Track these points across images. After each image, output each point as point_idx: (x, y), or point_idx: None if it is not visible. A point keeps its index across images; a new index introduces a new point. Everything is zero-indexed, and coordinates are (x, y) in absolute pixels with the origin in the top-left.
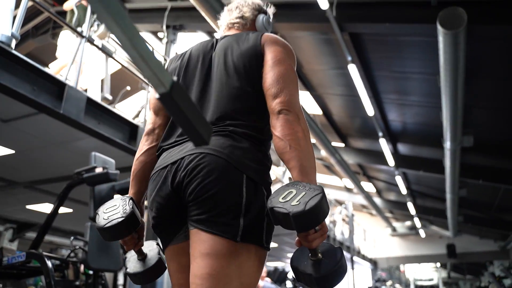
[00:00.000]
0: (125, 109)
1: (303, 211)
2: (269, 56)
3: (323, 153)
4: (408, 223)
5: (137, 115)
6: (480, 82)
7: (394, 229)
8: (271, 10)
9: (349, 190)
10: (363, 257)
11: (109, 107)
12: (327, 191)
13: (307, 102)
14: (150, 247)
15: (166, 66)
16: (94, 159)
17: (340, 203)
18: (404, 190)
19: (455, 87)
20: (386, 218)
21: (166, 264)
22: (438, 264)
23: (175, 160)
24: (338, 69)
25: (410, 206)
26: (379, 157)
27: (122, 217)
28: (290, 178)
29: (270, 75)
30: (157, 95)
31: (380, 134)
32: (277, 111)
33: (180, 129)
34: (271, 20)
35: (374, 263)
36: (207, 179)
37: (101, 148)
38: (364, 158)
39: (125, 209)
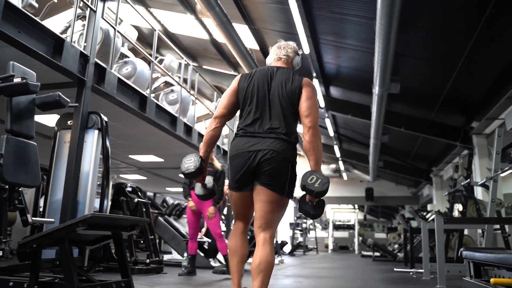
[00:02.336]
0: (51, 25)
1: (321, 191)
2: (304, 93)
3: None
4: (333, 166)
5: (64, 31)
6: (413, 31)
7: None
8: (301, 52)
9: None
10: None
11: (32, 16)
12: None
13: (245, 36)
14: (208, 180)
15: (238, 80)
16: (12, 68)
17: None
18: (331, 133)
19: (389, 32)
20: None
21: (215, 191)
22: (356, 206)
23: (260, 149)
24: (278, 3)
25: (336, 149)
26: None
27: (194, 168)
28: None
29: (304, 105)
30: None
31: (314, 74)
32: (308, 126)
33: (258, 124)
34: (300, 60)
35: (297, 201)
36: (275, 165)
37: (21, 60)
38: None
39: (196, 164)
